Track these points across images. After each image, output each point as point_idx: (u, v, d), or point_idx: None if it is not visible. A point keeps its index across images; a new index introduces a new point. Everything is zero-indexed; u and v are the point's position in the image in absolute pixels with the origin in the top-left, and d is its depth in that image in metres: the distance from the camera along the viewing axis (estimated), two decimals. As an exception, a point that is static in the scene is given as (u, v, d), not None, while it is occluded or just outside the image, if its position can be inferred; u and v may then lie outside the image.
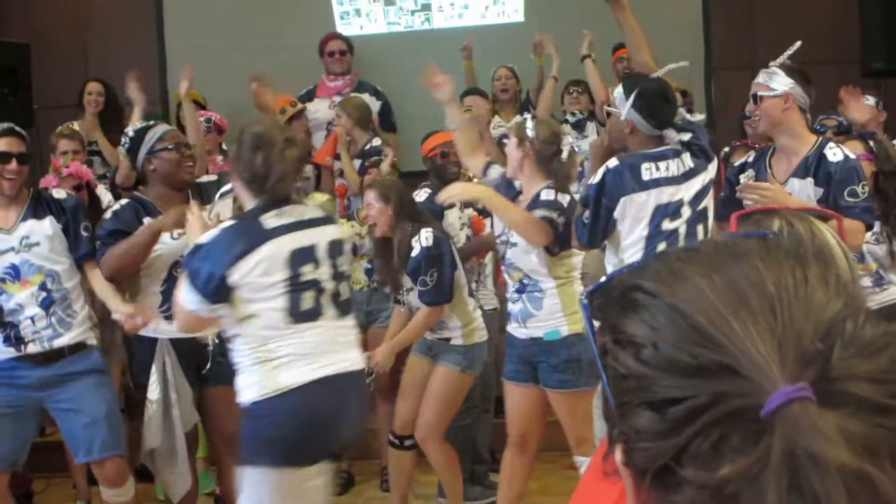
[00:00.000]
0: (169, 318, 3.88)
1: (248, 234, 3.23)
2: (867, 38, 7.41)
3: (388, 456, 5.00)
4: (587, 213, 3.77)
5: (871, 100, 6.06)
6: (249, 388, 3.25)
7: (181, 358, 4.12)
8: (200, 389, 4.25)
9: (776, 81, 3.88)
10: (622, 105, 3.85)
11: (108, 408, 4.20)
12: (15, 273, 4.08)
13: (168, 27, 8.22)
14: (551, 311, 4.11)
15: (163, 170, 4.22)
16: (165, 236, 4.05)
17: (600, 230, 3.77)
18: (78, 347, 4.19)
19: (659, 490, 0.72)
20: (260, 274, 3.17)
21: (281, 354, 3.20)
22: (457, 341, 4.57)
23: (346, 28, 7.96)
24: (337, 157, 6.15)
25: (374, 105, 6.84)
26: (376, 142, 6.10)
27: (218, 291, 3.17)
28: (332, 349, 3.31)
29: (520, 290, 4.16)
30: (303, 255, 3.26)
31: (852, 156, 3.85)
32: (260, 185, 3.30)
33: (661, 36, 7.52)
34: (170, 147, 4.21)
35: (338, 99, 6.82)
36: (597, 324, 0.81)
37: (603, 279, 0.84)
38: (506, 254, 4.21)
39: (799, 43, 4.04)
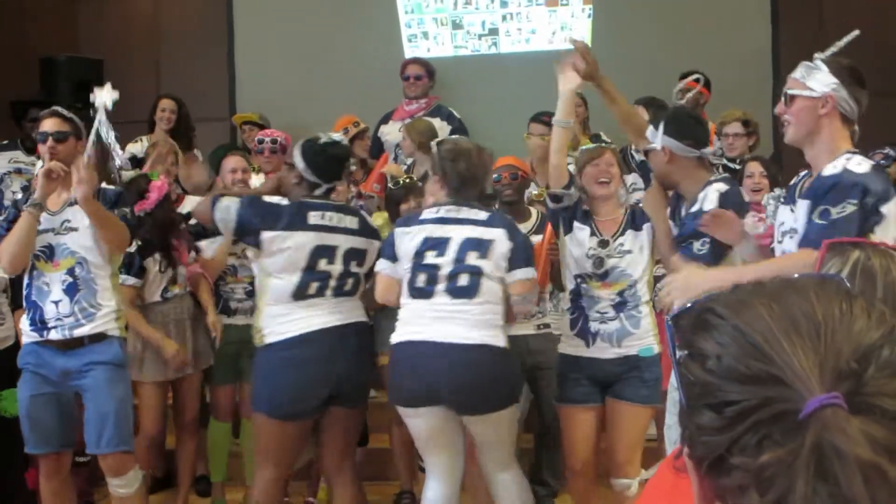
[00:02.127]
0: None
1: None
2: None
3: (403, 479, 5.14)
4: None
5: None
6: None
7: None
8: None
9: (815, 79, 3.24)
10: (654, 137, 3.79)
11: (118, 404, 4.26)
12: (49, 253, 4.20)
13: (238, 46, 8.39)
14: (647, 329, 4.19)
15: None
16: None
17: None
18: (98, 337, 4.26)
19: (712, 476, 0.87)
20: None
21: None
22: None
23: (413, 51, 8.05)
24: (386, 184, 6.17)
25: (445, 129, 6.83)
26: None
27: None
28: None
29: (618, 309, 4.16)
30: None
31: (859, 170, 3.07)
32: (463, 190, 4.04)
33: (729, 66, 7.56)
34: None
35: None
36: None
37: (687, 306, 0.98)
38: (610, 266, 4.21)
39: (857, 32, 3.49)
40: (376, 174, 6.06)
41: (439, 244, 3.94)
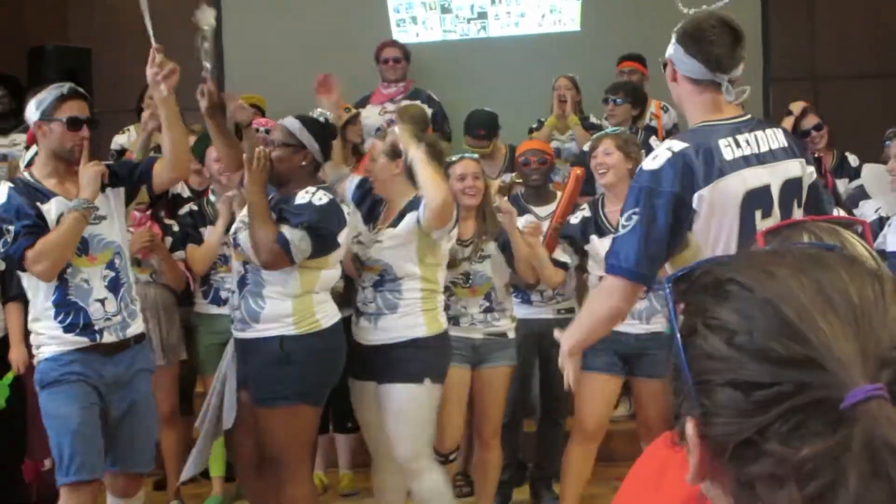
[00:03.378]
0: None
1: None
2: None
3: None
4: None
5: None
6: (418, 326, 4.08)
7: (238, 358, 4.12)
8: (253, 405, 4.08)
9: (669, 47, 2.81)
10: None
11: (151, 423, 4.05)
12: (83, 245, 3.76)
13: (226, 33, 8.33)
14: None
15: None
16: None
17: None
18: (140, 338, 3.98)
19: (736, 461, 0.82)
20: None
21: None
22: (511, 334, 4.64)
23: (402, 35, 8.01)
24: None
25: (426, 112, 6.82)
26: None
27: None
28: None
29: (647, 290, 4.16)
30: None
31: (653, 166, 2.70)
32: None
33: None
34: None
35: (390, 106, 6.84)
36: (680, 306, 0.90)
37: (687, 268, 0.93)
38: None
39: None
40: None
41: None
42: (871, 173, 5.26)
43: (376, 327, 4.10)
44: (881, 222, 4.60)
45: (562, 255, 4.48)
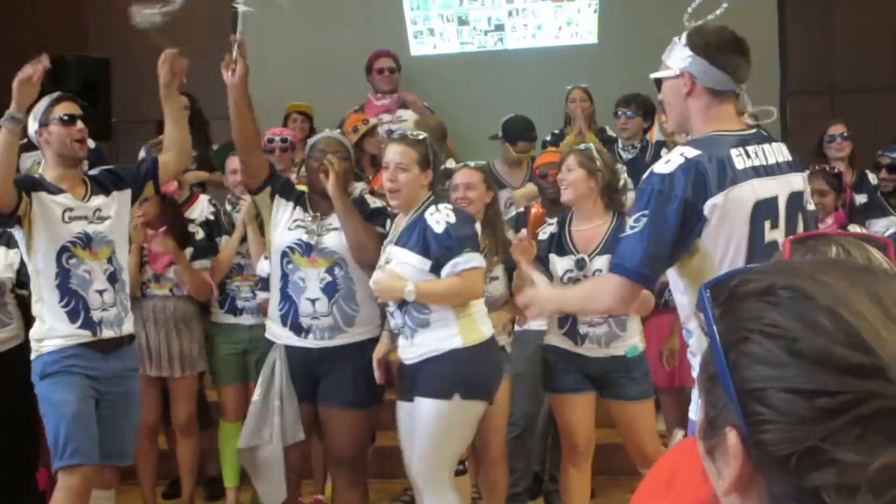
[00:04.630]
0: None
1: None
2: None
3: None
4: None
5: None
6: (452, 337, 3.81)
7: (293, 367, 4.10)
8: (320, 407, 4.21)
9: (673, 56, 2.78)
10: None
11: (135, 420, 4.25)
12: (86, 240, 4.03)
13: (250, 44, 8.37)
14: (634, 329, 4.29)
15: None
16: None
17: None
18: (132, 338, 4.23)
19: (795, 468, 0.80)
20: None
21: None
22: (508, 348, 4.60)
23: (419, 47, 8.03)
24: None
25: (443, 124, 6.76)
26: (450, 163, 6.01)
27: None
28: None
29: (604, 315, 4.17)
30: None
31: (665, 169, 2.64)
32: None
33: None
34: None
35: (386, 117, 6.76)
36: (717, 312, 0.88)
37: (722, 276, 0.92)
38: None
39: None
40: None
41: None
42: None
43: (412, 343, 3.89)
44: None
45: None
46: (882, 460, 0.75)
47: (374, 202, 4.37)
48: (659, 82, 2.82)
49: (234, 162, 5.39)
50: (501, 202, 5.18)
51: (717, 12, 2.82)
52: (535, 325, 4.89)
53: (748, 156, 2.67)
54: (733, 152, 2.65)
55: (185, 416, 5.17)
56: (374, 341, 4.10)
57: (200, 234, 5.13)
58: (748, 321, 0.84)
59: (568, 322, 4.28)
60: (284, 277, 4.10)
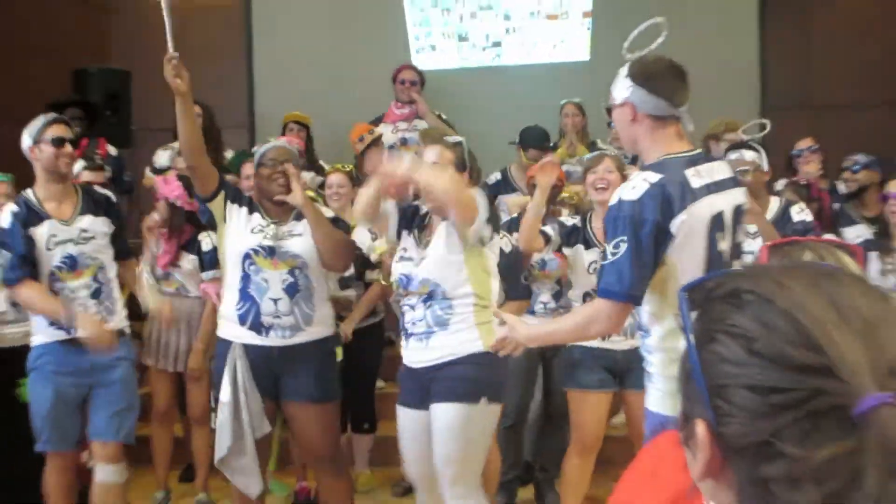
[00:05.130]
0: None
1: None
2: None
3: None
4: None
5: None
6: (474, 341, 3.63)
7: (253, 365, 3.99)
8: (284, 403, 4.13)
9: (617, 87, 2.89)
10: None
11: (134, 399, 4.35)
12: (71, 263, 4.15)
13: (256, 59, 8.42)
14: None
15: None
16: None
17: None
18: (120, 334, 4.27)
19: (751, 461, 0.82)
20: None
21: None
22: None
23: (420, 62, 8.03)
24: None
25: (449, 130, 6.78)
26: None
27: None
28: None
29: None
30: None
31: (632, 196, 2.72)
32: None
33: (717, 75, 7.55)
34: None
35: (402, 125, 6.80)
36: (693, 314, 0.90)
37: (699, 279, 0.93)
38: None
39: (659, 19, 3.01)
40: None
41: None
42: None
43: (427, 346, 3.67)
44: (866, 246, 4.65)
45: (548, 229, 4.45)
46: (825, 453, 0.77)
47: (328, 212, 4.33)
48: (610, 111, 2.90)
49: (248, 168, 5.42)
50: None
51: (658, 41, 2.95)
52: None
53: (700, 175, 2.76)
54: (688, 173, 2.75)
55: (199, 408, 5.20)
56: (328, 340, 4.11)
57: (209, 245, 5.04)
58: (715, 322, 0.86)
59: None
60: (245, 278, 4.00)
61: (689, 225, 2.70)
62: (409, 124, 6.78)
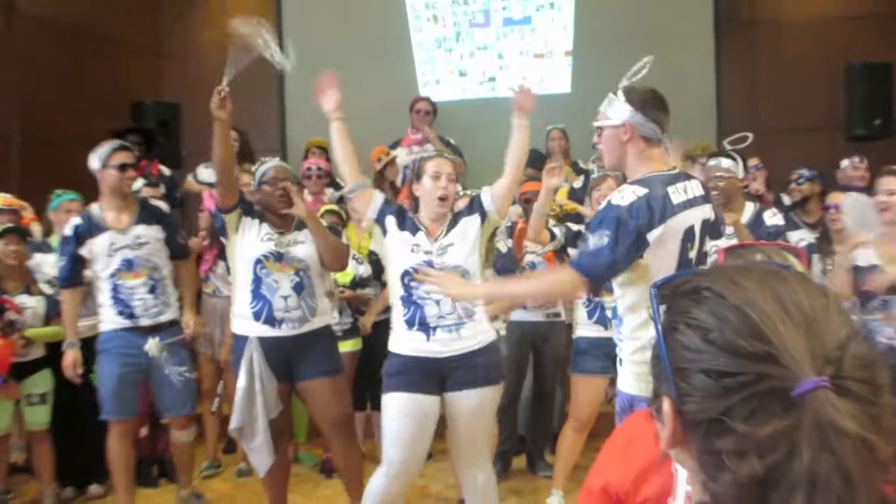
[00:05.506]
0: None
1: None
2: (850, 108, 7.34)
3: None
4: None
5: (856, 159, 6.05)
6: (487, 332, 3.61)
7: (268, 354, 3.94)
8: (299, 384, 4.07)
9: (614, 109, 2.90)
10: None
11: (185, 382, 4.41)
12: (129, 265, 4.23)
13: (287, 92, 8.44)
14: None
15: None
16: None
17: None
18: (174, 323, 4.39)
19: (705, 435, 0.83)
20: None
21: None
22: (503, 332, 4.57)
23: (426, 93, 8.05)
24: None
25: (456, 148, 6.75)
26: (458, 189, 5.94)
27: None
28: None
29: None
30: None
31: (622, 202, 2.73)
32: None
33: (681, 105, 7.54)
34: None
35: (416, 149, 6.78)
36: (662, 307, 0.91)
37: (669, 277, 0.94)
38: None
39: (649, 58, 3.01)
40: (404, 194, 6.04)
41: None
42: (851, 203, 4.84)
43: (459, 336, 3.53)
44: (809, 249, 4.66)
45: (556, 230, 4.41)
46: (767, 429, 0.77)
47: (324, 221, 4.34)
48: (600, 129, 2.92)
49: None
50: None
51: (643, 72, 2.97)
52: (518, 316, 4.95)
53: (678, 192, 2.78)
54: (669, 189, 2.77)
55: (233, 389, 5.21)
56: (328, 326, 4.12)
57: None
58: (679, 315, 0.87)
59: (596, 313, 4.33)
60: (257, 280, 3.95)
61: (665, 234, 2.72)
62: (421, 147, 6.78)
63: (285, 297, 3.95)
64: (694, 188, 2.88)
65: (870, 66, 7.31)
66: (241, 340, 3.98)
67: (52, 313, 4.69)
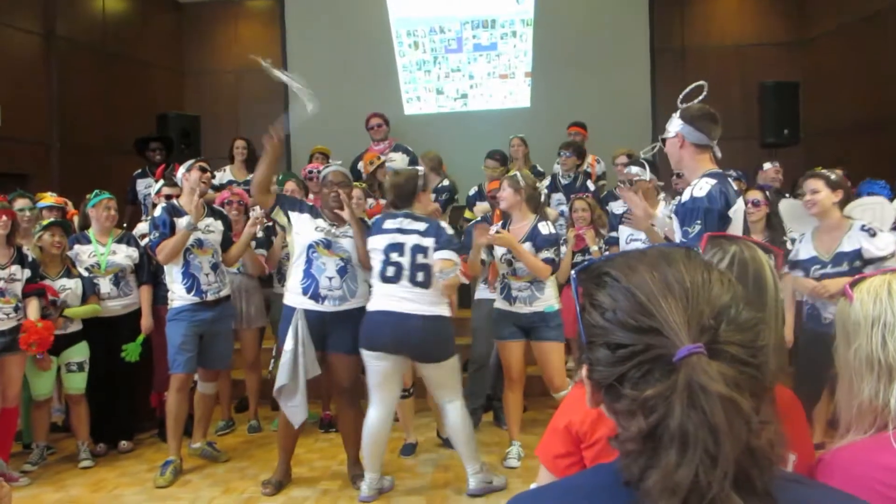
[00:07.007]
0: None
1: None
2: (764, 120, 7.37)
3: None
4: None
5: (777, 164, 6.08)
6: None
7: (310, 324, 3.96)
8: (327, 354, 4.06)
9: (671, 124, 2.99)
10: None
11: (227, 343, 4.54)
12: (199, 244, 4.38)
13: (291, 106, 8.34)
14: (549, 294, 4.25)
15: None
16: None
17: None
18: (228, 298, 4.52)
19: (608, 398, 0.83)
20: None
21: None
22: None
23: (409, 107, 8.04)
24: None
25: (404, 160, 6.56)
26: (445, 182, 5.91)
27: None
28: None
29: (529, 283, 4.22)
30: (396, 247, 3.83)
31: (701, 194, 2.79)
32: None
33: (621, 119, 7.58)
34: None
35: (382, 156, 6.55)
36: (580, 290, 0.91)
37: (587, 262, 0.92)
38: (517, 266, 4.22)
39: (701, 83, 3.03)
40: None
41: (399, 248, 3.83)
42: (785, 207, 4.68)
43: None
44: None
45: (545, 253, 4.23)
46: (650, 392, 0.76)
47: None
48: (664, 140, 3.02)
49: (290, 185, 5.39)
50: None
51: (700, 98, 2.97)
52: (482, 294, 4.92)
53: (733, 185, 2.88)
54: (729, 180, 2.87)
55: (252, 357, 5.20)
56: (362, 309, 3.93)
57: (260, 234, 5.13)
58: (588, 297, 0.87)
59: (506, 290, 4.29)
60: (309, 261, 3.98)
61: (736, 212, 2.78)
62: (385, 156, 6.59)
63: (330, 278, 3.97)
64: (734, 182, 2.99)
65: (780, 85, 7.36)
66: (289, 310, 3.99)
67: (89, 293, 4.62)
